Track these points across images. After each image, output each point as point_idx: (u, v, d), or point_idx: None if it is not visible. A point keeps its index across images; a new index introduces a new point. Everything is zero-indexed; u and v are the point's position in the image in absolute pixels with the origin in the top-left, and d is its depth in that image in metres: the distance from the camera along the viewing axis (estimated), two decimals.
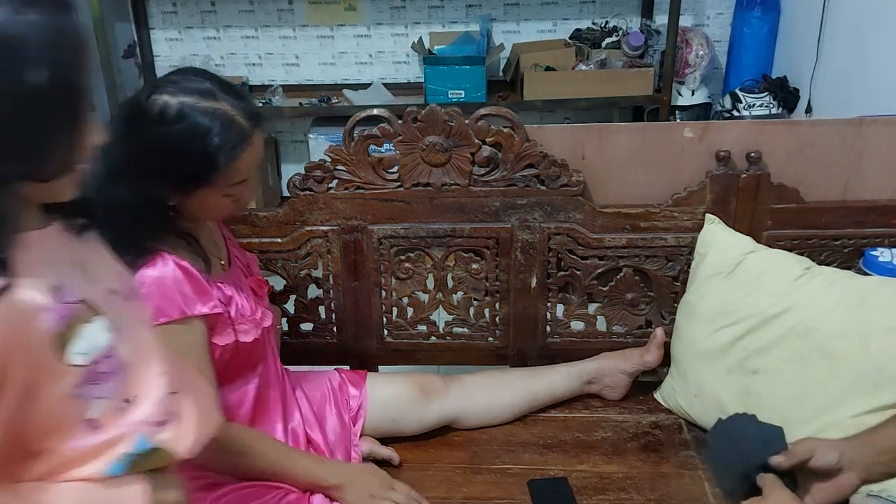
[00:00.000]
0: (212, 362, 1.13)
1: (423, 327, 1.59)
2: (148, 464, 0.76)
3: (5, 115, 0.65)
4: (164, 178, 1.05)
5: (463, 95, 2.75)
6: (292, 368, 1.45)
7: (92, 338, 0.71)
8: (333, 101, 2.87)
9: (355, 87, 2.97)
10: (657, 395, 1.53)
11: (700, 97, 2.89)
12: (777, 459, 1.05)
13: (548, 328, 1.57)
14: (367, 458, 1.37)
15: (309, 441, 1.32)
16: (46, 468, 0.72)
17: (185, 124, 1.02)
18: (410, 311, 1.57)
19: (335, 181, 1.47)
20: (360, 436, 1.40)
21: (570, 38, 2.98)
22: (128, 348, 0.76)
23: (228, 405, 1.21)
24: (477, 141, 1.42)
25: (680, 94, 2.87)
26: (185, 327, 1.08)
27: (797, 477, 1.07)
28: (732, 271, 1.39)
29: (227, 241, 1.28)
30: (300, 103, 2.87)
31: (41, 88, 0.65)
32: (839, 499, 1.05)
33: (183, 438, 0.80)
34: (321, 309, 1.57)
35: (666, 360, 1.51)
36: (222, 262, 1.22)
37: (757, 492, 1.06)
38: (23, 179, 0.69)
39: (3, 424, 0.67)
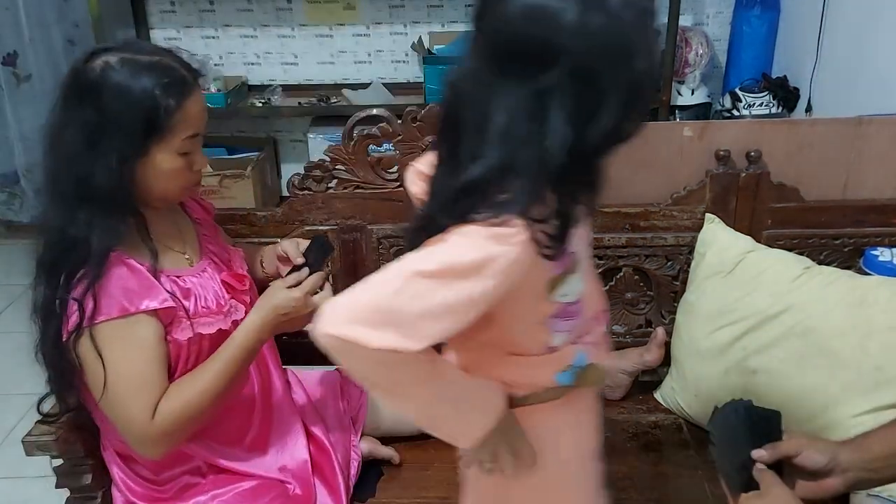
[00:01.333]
0: (166, 357, 1.11)
1: None
2: (585, 379, 0.92)
3: (624, 101, 0.73)
4: (118, 137, 1.04)
5: None
6: (293, 368, 1.45)
7: (573, 285, 0.85)
8: (332, 101, 2.87)
9: (354, 86, 2.96)
10: (657, 395, 1.52)
11: (700, 96, 2.88)
12: (760, 453, 1.05)
13: None
14: (367, 458, 1.37)
15: (310, 437, 1.32)
16: (511, 376, 0.89)
17: (130, 75, 1.04)
18: None
19: (334, 181, 1.46)
20: (361, 435, 1.39)
21: None
22: (587, 290, 0.90)
23: None
24: None
25: (679, 94, 2.86)
26: (128, 323, 1.06)
27: (783, 466, 1.07)
28: (732, 271, 1.39)
29: (200, 236, 1.26)
30: (299, 103, 2.87)
31: (642, 73, 0.73)
32: (819, 497, 1.04)
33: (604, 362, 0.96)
34: None
35: (666, 360, 1.50)
36: (187, 257, 1.20)
37: (755, 484, 1.06)
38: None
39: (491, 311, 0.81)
